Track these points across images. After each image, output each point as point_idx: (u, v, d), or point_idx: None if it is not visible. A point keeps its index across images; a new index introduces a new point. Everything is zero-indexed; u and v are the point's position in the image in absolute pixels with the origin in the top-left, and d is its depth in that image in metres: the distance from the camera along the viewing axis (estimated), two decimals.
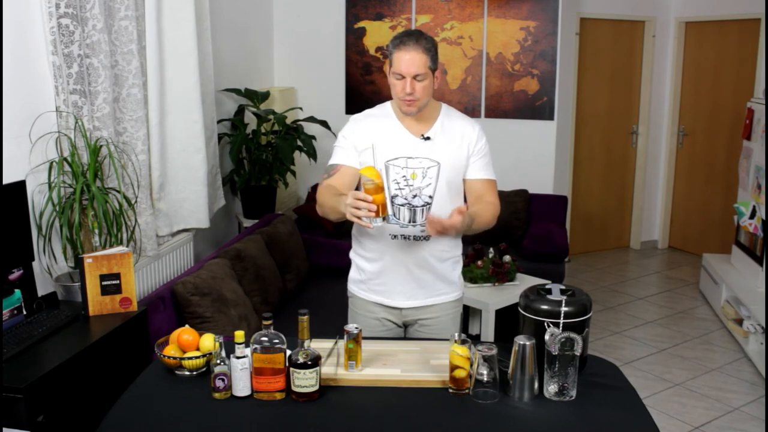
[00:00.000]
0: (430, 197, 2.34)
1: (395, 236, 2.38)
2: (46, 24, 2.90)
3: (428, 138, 2.36)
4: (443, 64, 5.55)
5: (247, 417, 1.90)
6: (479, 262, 4.10)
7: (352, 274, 2.57)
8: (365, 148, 2.36)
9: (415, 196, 2.33)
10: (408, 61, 2.24)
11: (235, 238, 4.03)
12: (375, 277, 2.47)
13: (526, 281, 4.14)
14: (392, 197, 2.34)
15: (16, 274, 2.64)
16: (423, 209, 2.34)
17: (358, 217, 2.06)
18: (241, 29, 5.17)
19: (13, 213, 2.64)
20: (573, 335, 1.92)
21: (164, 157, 3.75)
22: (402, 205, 2.34)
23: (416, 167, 2.33)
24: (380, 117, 2.43)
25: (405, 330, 2.56)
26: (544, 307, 2.04)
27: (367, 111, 2.49)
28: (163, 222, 3.79)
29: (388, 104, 2.46)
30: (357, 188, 2.38)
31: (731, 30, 5.93)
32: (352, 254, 2.56)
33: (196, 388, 2.03)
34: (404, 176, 2.33)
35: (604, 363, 2.22)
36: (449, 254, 2.47)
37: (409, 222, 2.35)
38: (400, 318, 2.51)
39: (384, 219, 2.09)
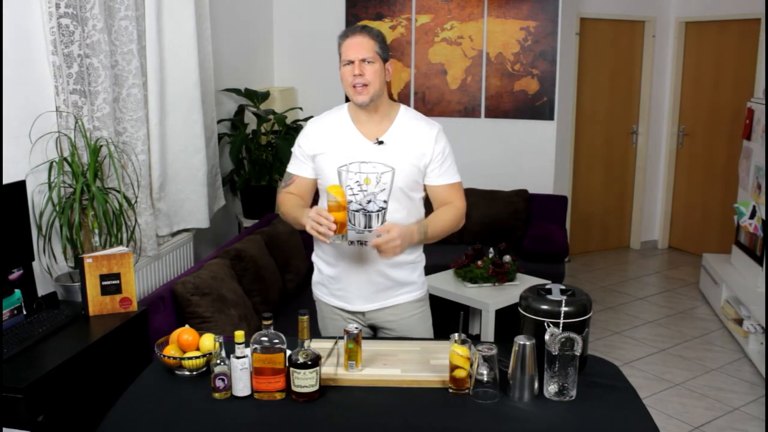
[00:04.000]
0: (385, 202, 2.27)
1: (352, 242, 2.36)
2: (46, 24, 2.90)
3: (381, 142, 2.33)
4: (443, 64, 5.55)
5: (247, 417, 1.90)
6: (479, 262, 4.10)
7: (315, 276, 2.56)
8: (318, 153, 2.38)
9: (369, 202, 2.27)
10: (354, 44, 2.27)
11: (235, 238, 4.03)
12: (334, 282, 2.47)
13: (526, 281, 4.14)
14: (347, 203, 2.32)
15: (16, 274, 2.64)
16: (378, 214, 2.27)
17: (319, 232, 2.12)
18: (241, 29, 5.17)
19: (13, 213, 2.64)
20: (573, 335, 1.92)
21: (164, 157, 3.75)
22: (357, 211, 2.26)
23: (370, 172, 2.28)
24: (335, 119, 2.41)
25: (374, 331, 2.54)
26: (544, 307, 2.04)
27: (325, 113, 2.48)
28: (163, 222, 3.79)
29: (344, 107, 2.43)
30: (316, 198, 2.45)
31: (731, 30, 5.93)
32: (314, 256, 2.55)
33: (196, 388, 2.03)
34: (357, 181, 2.28)
35: (604, 363, 2.22)
36: (406, 259, 2.43)
37: (365, 227, 2.28)
38: (364, 321, 2.50)
39: (342, 237, 2.18)
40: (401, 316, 2.48)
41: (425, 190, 2.44)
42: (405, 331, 2.48)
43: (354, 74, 2.26)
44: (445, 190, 2.41)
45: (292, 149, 2.49)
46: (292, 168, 2.49)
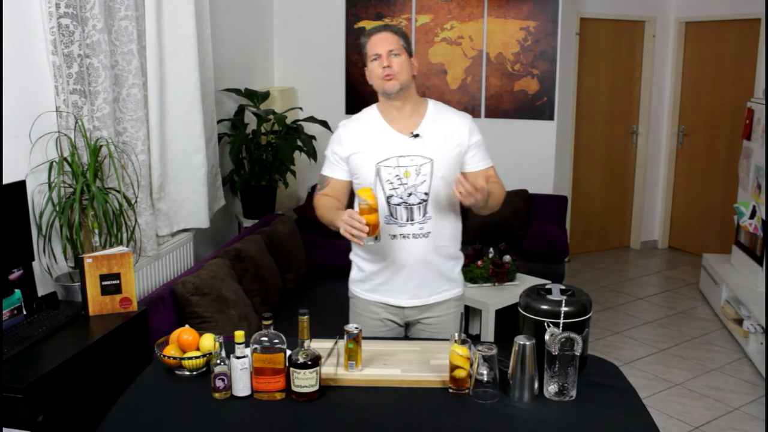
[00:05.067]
0: (426, 194, 2.34)
1: (395, 236, 2.38)
2: (46, 24, 2.90)
3: (417, 135, 2.36)
4: (443, 64, 5.55)
5: (247, 417, 1.90)
6: (479, 262, 4.10)
7: (353, 274, 2.57)
8: (353, 153, 2.39)
9: (410, 195, 2.34)
10: (380, 39, 2.34)
11: (235, 238, 4.03)
12: (376, 277, 2.47)
13: (526, 281, 4.14)
14: (387, 197, 2.35)
15: (16, 274, 2.64)
16: (420, 206, 2.35)
17: (352, 234, 2.15)
18: (241, 29, 5.17)
19: (13, 213, 2.64)
20: (573, 335, 1.92)
21: (164, 157, 3.75)
22: (398, 205, 2.34)
23: (408, 165, 2.34)
24: (367, 120, 2.44)
25: (406, 329, 2.56)
26: (544, 307, 2.04)
27: (354, 116, 2.51)
28: (163, 222, 3.79)
29: (374, 107, 2.47)
30: (351, 199, 2.46)
31: (731, 30, 5.93)
32: (352, 255, 2.57)
33: (196, 388, 2.03)
34: (397, 175, 2.34)
35: (604, 363, 2.22)
36: (449, 251, 2.47)
37: (407, 220, 2.36)
38: (402, 317, 2.51)
39: (376, 239, 2.20)
40: (439, 314, 2.49)
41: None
42: (439, 330, 2.49)
43: (383, 66, 2.32)
44: (485, 174, 2.44)
45: (326, 153, 2.51)
46: (326, 171, 2.50)
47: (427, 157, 2.34)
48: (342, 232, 2.18)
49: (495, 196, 2.37)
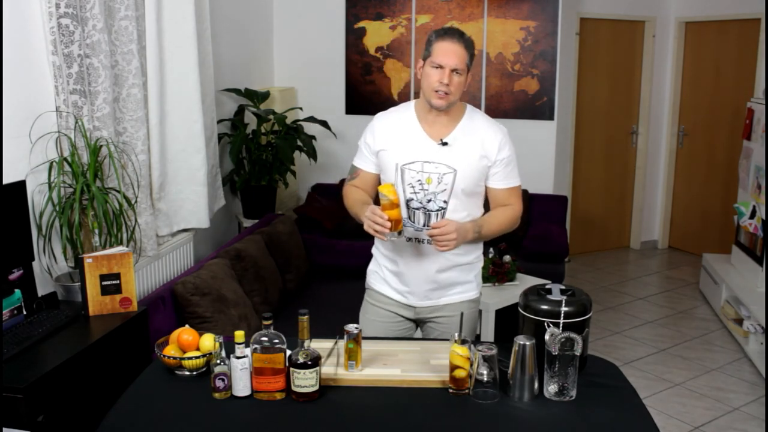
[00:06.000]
0: (445, 202, 2.34)
1: (410, 239, 2.40)
2: (46, 24, 2.90)
3: (446, 143, 2.34)
4: None
5: (247, 417, 1.90)
6: None
7: (372, 266, 2.59)
8: (382, 149, 2.39)
9: (429, 201, 2.34)
10: (451, 51, 2.24)
11: (235, 238, 4.03)
12: (392, 276, 2.50)
13: (526, 281, 4.14)
14: (407, 200, 2.36)
15: (16, 274, 2.64)
16: (438, 213, 2.35)
17: (375, 230, 2.17)
18: (241, 29, 5.17)
19: (13, 213, 2.64)
20: (573, 335, 1.92)
21: (164, 157, 3.75)
22: (417, 209, 2.36)
23: (432, 172, 2.33)
24: (402, 116, 2.42)
25: (418, 326, 2.58)
26: (544, 307, 2.04)
27: (392, 108, 2.49)
28: (163, 222, 3.78)
29: (412, 103, 2.44)
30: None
31: (731, 30, 5.93)
32: (373, 249, 2.59)
33: (196, 388, 2.03)
34: (419, 180, 2.34)
35: (604, 363, 2.22)
36: (464, 259, 2.46)
37: (424, 225, 2.36)
38: (414, 315, 2.52)
39: (399, 234, 2.23)
40: (453, 314, 2.48)
41: (486, 190, 2.46)
42: (449, 330, 2.47)
43: (441, 81, 2.24)
44: (505, 193, 2.43)
45: (359, 143, 2.50)
46: (357, 162, 2.50)
47: (451, 167, 2.32)
48: (365, 228, 2.20)
49: (490, 227, 2.37)
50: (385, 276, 2.52)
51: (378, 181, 2.46)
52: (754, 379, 4.04)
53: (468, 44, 2.29)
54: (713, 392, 3.88)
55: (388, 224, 2.16)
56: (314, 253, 4.48)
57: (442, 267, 2.42)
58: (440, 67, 2.25)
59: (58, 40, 2.92)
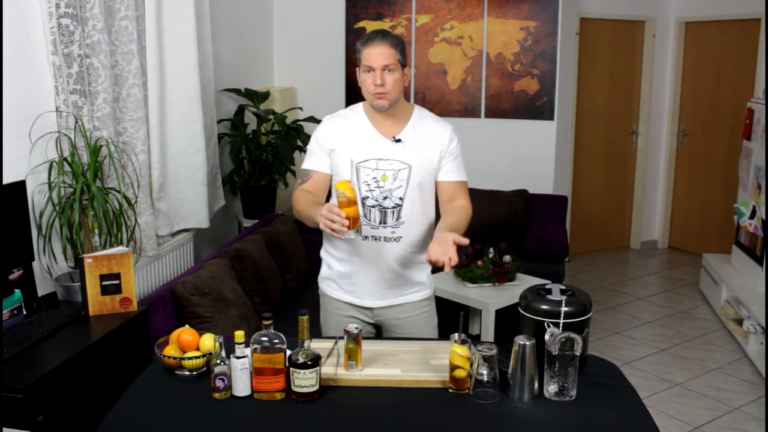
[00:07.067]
0: (401, 199, 2.36)
1: (366, 237, 2.40)
2: (46, 24, 2.90)
3: (399, 140, 2.37)
4: (443, 64, 5.55)
5: (247, 417, 1.90)
6: (479, 262, 4.10)
7: (323, 272, 2.58)
8: (335, 148, 2.39)
9: (385, 198, 2.36)
10: (376, 53, 2.28)
11: (235, 238, 4.03)
12: (345, 278, 2.49)
13: (526, 281, 4.14)
14: (363, 199, 2.37)
15: (16, 274, 2.64)
16: (394, 211, 2.37)
17: (332, 230, 2.11)
18: (241, 29, 5.17)
19: (13, 213, 2.64)
20: (573, 335, 1.92)
21: (164, 157, 3.75)
22: (373, 207, 2.37)
23: (387, 169, 2.35)
24: (351, 118, 2.45)
25: (379, 331, 2.57)
26: (544, 307, 2.04)
27: (340, 111, 2.51)
28: (163, 222, 3.79)
29: (360, 105, 2.47)
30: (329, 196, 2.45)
31: (731, 30, 5.93)
32: (323, 252, 2.58)
33: (196, 388, 2.03)
34: (375, 178, 2.35)
35: (604, 363, 2.22)
36: (421, 257, 2.46)
37: (380, 223, 2.38)
38: (371, 318, 2.52)
39: (357, 231, 2.17)
40: (409, 314, 2.51)
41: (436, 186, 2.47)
42: (411, 330, 2.50)
43: (375, 83, 2.29)
44: (454, 186, 2.45)
45: (308, 147, 2.50)
46: (309, 164, 2.48)
47: (406, 162, 2.36)
48: (322, 227, 2.15)
49: (462, 229, 2.35)
50: (338, 280, 2.51)
51: (330, 184, 2.46)
52: (754, 379, 4.04)
53: (395, 41, 2.32)
54: (713, 392, 3.88)
55: (346, 222, 2.10)
56: (314, 253, 4.44)
57: (399, 265, 2.43)
58: (371, 69, 2.30)
59: (58, 40, 2.92)
